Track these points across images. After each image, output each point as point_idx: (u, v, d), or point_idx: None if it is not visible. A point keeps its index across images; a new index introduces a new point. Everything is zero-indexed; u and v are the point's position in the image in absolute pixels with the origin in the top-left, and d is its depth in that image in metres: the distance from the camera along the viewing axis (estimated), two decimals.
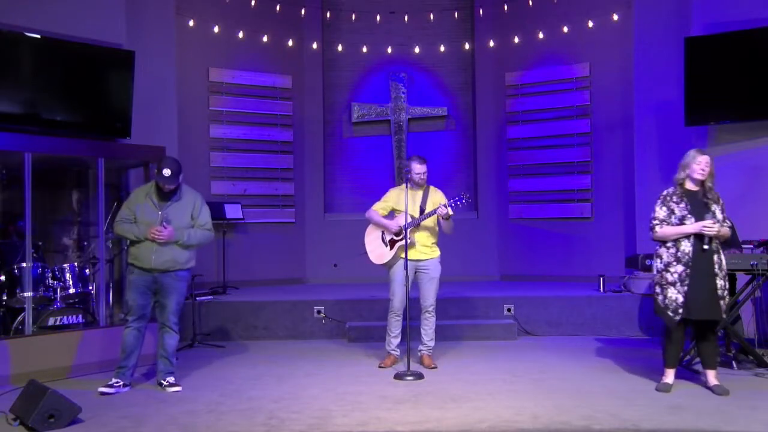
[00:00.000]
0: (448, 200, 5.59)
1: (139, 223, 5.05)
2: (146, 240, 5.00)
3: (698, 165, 4.74)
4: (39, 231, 6.43)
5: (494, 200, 9.52)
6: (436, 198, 5.71)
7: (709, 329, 4.80)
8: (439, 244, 5.75)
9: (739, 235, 6.09)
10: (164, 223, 5.00)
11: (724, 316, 4.74)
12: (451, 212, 5.52)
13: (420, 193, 5.71)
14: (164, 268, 5.04)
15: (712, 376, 4.79)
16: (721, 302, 4.67)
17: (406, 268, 5.39)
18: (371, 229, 5.84)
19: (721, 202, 4.79)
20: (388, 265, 5.71)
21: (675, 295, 4.69)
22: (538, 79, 9.22)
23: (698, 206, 4.74)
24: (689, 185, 4.81)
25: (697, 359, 5.46)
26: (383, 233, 5.74)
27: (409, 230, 5.55)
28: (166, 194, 5.09)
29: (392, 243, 5.66)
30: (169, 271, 5.06)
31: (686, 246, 4.70)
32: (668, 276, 4.73)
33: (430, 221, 5.63)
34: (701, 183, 4.78)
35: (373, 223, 5.81)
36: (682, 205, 4.76)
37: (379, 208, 5.80)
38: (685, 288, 4.67)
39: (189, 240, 5.10)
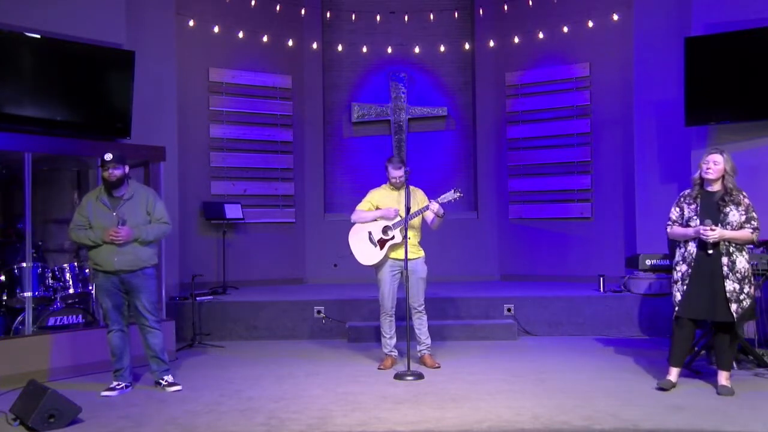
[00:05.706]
0: (434, 197, 5.57)
1: (95, 227, 5.00)
2: (105, 243, 4.97)
3: (705, 164, 4.76)
4: (39, 231, 6.43)
5: (494, 200, 9.52)
6: (418, 196, 5.69)
7: (722, 330, 4.78)
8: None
9: None
10: (120, 224, 4.98)
11: (736, 317, 4.63)
12: (442, 210, 5.52)
13: (402, 191, 5.66)
14: (128, 268, 5.00)
15: (721, 377, 4.75)
16: (733, 305, 4.62)
17: (406, 267, 5.37)
18: (356, 229, 5.75)
19: (745, 202, 4.71)
20: (377, 266, 5.67)
21: (676, 293, 4.82)
22: (538, 79, 9.22)
23: (710, 208, 4.72)
24: (708, 186, 4.80)
25: (697, 359, 5.48)
26: (370, 233, 5.64)
27: (399, 229, 5.54)
28: (117, 194, 5.06)
29: (382, 243, 5.60)
30: (134, 270, 5.03)
31: (691, 247, 4.77)
32: (675, 274, 4.86)
33: (416, 221, 5.61)
34: (722, 184, 4.75)
35: (363, 221, 5.71)
36: (693, 206, 4.78)
37: (365, 209, 5.75)
38: (685, 287, 4.75)
39: (147, 236, 5.07)
